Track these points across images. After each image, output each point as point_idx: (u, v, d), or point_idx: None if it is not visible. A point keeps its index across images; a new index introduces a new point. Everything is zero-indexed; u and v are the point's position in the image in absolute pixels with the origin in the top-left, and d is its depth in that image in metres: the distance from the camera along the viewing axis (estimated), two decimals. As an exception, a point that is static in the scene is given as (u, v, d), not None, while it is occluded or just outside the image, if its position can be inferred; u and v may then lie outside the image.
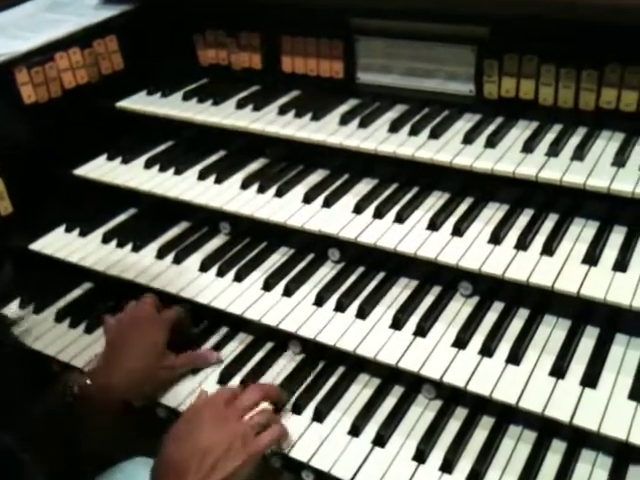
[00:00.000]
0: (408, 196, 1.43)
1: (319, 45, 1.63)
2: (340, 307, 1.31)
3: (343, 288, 1.36)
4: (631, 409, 1.05)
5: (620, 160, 1.26)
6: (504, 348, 1.18)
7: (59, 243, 1.59)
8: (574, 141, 1.35)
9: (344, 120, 1.52)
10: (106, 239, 1.58)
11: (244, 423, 1.12)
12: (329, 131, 1.49)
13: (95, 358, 1.33)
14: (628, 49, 1.30)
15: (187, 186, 1.55)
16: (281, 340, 1.36)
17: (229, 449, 1.07)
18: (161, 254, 1.50)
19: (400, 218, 1.35)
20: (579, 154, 1.29)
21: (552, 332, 1.21)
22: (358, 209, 1.40)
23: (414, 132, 1.44)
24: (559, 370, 1.12)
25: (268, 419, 1.16)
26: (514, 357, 1.15)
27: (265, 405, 1.19)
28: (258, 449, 1.10)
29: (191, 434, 1.08)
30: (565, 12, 1.27)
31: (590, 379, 1.10)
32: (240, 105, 1.64)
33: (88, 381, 1.20)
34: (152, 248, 1.53)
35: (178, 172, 1.60)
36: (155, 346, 1.28)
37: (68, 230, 1.63)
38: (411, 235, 1.31)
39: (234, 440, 1.08)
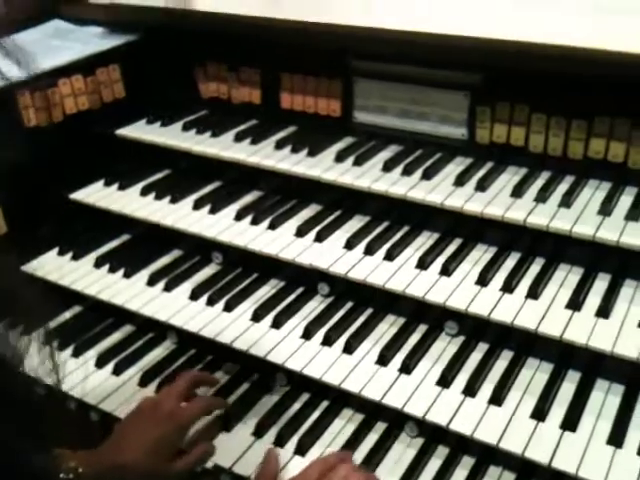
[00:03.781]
0: (399, 234, 1.46)
1: (318, 84, 1.67)
2: (327, 341, 1.32)
3: (331, 322, 1.38)
4: (609, 454, 1.07)
5: (606, 209, 1.30)
6: (487, 389, 1.19)
7: (51, 266, 1.60)
8: (562, 188, 1.38)
9: (339, 157, 1.55)
10: (98, 264, 1.59)
11: None
12: (324, 167, 1.52)
13: None
14: (618, 102, 1.34)
15: (182, 215, 1.57)
16: (268, 371, 1.37)
17: None
18: (152, 281, 1.52)
19: (390, 256, 1.38)
20: (566, 201, 1.33)
21: (535, 374, 1.23)
22: (349, 245, 1.42)
23: (407, 172, 1.48)
24: (540, 413, 1.14)
25: None
26: (496, 398, 1.17)
27: None
28: None
29: None
30: (555, 64, 1.31)
31: (570, 423, 1.12)
32: (238, 138, 1.67)
33: (80, 469, 1.07)
34: (143, 275, 1.55)
35: (174, 200, 1.62)
36: (165, 447, 1.16)
37: (61, 253, 1.64)
38: (400, 273, 1.34)
39: None
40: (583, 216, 1.29)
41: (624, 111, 1.34)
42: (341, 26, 1.50)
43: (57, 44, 1.80)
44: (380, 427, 1.26)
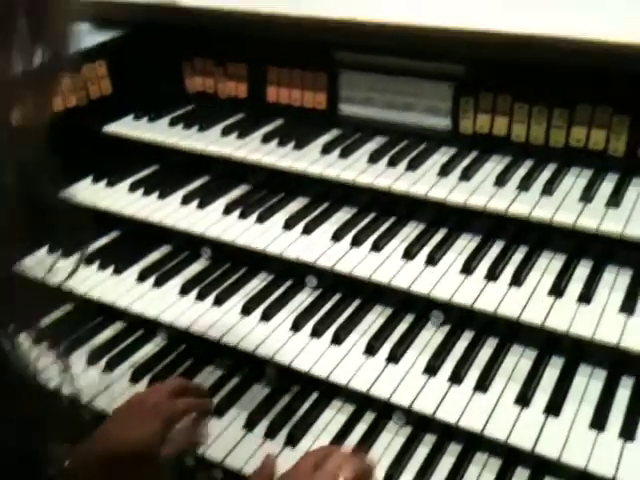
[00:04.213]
0: (385, 225, 1.47)
1: (304, 77, 1.69)
2: (316, 333, 1.34)
3: (319, 314, 1.39)
4: (592, 438, 1.09)
5: (587, 196, 1.32)
6: (472, 376, 1.21)
7: (41, 264, 1.61)
8: (544, 176, 1.40)
9: (325, 150, 1.56)
10: (88, 261, 1.60)
11: None
12: (310, 160, 1.54)
13: None
14: (598, 90, 1.35)
15: (170, 211, 1.58)
16: (258, 365, 1.39)
17: None
18: (142, 277, 1.53)
19: (377, 247, 1.39)
20: (549, 189, 1.34)
21: (519, 361, 1.25)
22: (336, 237, 1.44)
23: (392, 163, 1.49)
24: (524, 398, 1.16)
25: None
26: (482, 385, 1.19)
27: None
28: None
29: None
30: (536, 55, 1.32)
31: (553, 408, 1.14)
32: (225, 132, 1.68)
33: (65, 463, 1.06)
34: (133, 271, 1.56)
35: (162, 196, 1.63)
36: (149, 440, 1.15)
37: (51, 251, 1.65)
38: (386, 264, 1.35)
39: None
40: (565, 203, 1.31)
41: (604, 99, 1.36)
42: (325, 19, 1.51)
43: (42, 42, 1.80)
44: (369, 417, 1.28)
